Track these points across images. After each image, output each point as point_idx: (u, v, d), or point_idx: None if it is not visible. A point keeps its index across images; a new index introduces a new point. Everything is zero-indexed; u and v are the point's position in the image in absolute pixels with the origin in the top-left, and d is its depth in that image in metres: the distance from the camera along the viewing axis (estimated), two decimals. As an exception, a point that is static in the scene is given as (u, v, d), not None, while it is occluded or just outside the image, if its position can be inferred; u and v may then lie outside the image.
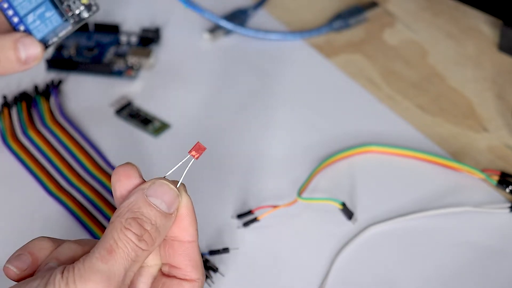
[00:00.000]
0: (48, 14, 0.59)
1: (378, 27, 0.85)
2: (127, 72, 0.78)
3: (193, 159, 0.50)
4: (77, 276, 0.46)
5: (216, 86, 0.78)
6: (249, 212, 0.65)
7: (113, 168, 0.69)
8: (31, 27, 0.60)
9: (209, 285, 0.61)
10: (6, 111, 0.72)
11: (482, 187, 0.68)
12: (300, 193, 0.65)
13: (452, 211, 0.65)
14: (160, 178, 0.50)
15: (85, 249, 0.49)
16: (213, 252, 0.62)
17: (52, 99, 0.75)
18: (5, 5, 0.59)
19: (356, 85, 0.78)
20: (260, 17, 0.87)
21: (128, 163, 0.50)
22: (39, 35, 0.60)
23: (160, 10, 0.87)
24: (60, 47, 0.81)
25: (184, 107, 0.76)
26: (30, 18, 0.59)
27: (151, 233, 0.48)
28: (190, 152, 0.50)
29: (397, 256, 0.63)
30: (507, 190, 0.67)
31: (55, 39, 0.60)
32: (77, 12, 0.60)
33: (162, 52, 0.82)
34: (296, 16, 0.87)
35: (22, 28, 0.60)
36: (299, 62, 0.81)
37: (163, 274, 0.51)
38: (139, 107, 0.75)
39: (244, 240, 0.64)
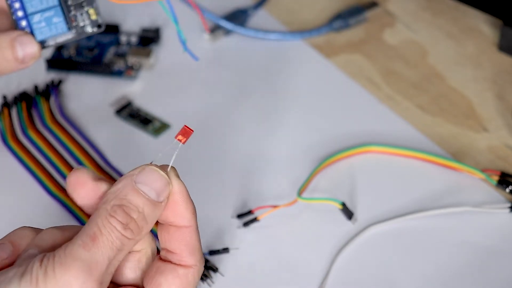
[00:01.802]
0: (55, 20, 0.59)
1: (378, 27, 0.85)
2: (127, 72, 0.78)
3: (180, 144, 0.48)
4: (57, 264, 0.44)
5: (216, 86, 0.78)
6: (249, 212, 0.65)
7: (113, 168, 0.69)
8: (34, 26, 0.59)
9: (209, 285, 0.61)
10: (6, 111, 0.72)
11: (482, 187, 0.68)
12: (300, 193, 0.65)
13: (452, 211, 0.65)
14: (150, 164, 0.48)
15: (68, 236, 0.47)
16: (213, 252, 0.62)
17: (52, 99, 0.75)
18: None
19: (356, 85, 0.78)
20: (260, 17, 0.87)
21: (77, 169, 0.48)
22: (40, 37, 0.59)
23: (160, 10, 0.87)
24: (60, 47, 0.81)
25: (184, 107, 0.76)
26: (36, 18, 0.59)
27: (138, 222, 0.46)
28: (176, 137, 0.49)
29: (397, 256, 0.63)
30: (507, 190, 0.67)
31: (52, 43, 0.59)
32: (81, 24, 0.59)
33: (162, 52, 0.82)
34: (296, 16, 0.87)
35: (24, 23, 0.59)
36: (299, 62, 0.81)
37: (160, 259, 0.49)
38: (139, 107, 0.75)
39: (244, 240, 0.64)
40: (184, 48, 0.57)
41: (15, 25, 0.59)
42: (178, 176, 0.48)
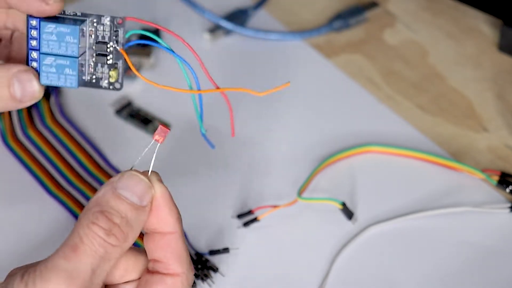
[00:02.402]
0: (67, 71, 0.51)
1: (378, 27, 0.85)
2: (127, 72, 0.78)
3: (158, 144, 0.48)
4: (37, 277, 0.43)
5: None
6: (249, 212, 0.65)
7: (113, 168, 0.69)
8: (43, 68, 0.51)
9: (209, 285, 0.61)
10: (6, 111, 0.72)
11: (482, 187, 0.68)
12: (300, 193, 0.65)
13: (452, 211, 0.65)
14: (129, 170, 0.47)
15: None
16: (213, 252, 0.62)
17: (52, 99, 0.75)
18: (34, 23, 0.50)
19: (356, 85, 0.78)
20: (260, 17, 0.87)
21: None
22: (44, 81, 0.51)
23: (160, 10, 0.87)
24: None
25: (184, 107, 0.76)
26: (48, 60, 0.51)
27: (122, 227, 0.45)
28: (154, 137, 0.49)
29: (397, 256, 0.63)
30: (507, 190, 0.67)
31: (54, 86, 0.53)
32: (98, 75, 0.53)
33: (162, 52, 0.82)
34: (296, 16, 0.87)
35: (35, 55, 0.51)
36: (299, 62, 0.82)
37: (148, 271, 0.48)
38: (139, 107, 0.75)
39: (244, 240, 0.64)
40: (204, 138, 0.54)
41: (26, 55, 0.52)
42: (160, 181, 0.48)
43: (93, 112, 0.75)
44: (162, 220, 0.47)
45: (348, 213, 0.65)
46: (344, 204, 0.64)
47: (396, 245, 0.64)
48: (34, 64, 0.51)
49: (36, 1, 0.49)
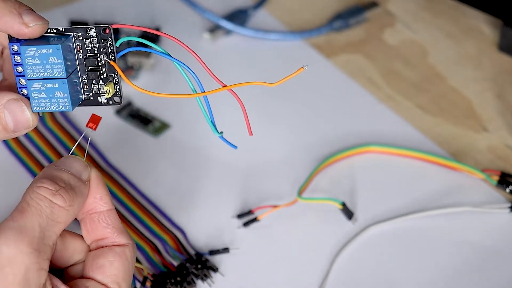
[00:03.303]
0: (58, 94, 0.47)
1: (378, 27, 0.85)
2: (127, 72, 0.78)
3: (92, 131, 0.50)
4: None
5: (216, 86, 0.78)
6: (249, 212, 0.65)
7: (113, 168, 0.69)
8: (32, 95, 0.47)
9: (209, 285, 0.61)
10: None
11: (482, 187, 0.68)
12: (300, 193, 0.65)
13: (452, 211, 0.65)
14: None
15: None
16: (213, 252, 0.62)
17: (52, 99, 0.75)
18: (15, 48, 0.47)
19: (356, 85, 0.78)
20: (260, 17, 0.87)
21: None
22: (36, 109, 0.48)
23: (160, 10, 0.87)
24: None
25: (184, 107, 0.76)
26: (35, 86, 0.47)
27: (67, 190, 0.46)
28: (87, 124, 0.49)
29: (397, 256, 0.63)
30: (507, 190, 0.67)
31: (49, 111, 0.50)
32: (95, 92, 0.50)
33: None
34: (296, 16, 0.87)
35: (23, 81, 0.48)
36: (299, 62, 0.81)
37: (91, 251, 0.49)
38: (139, 107, 0.75)
39: (244, 240, 0.64)
40: (223, 140, 0.52)
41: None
42: (92, 166, 0.49)
43: (93, 112, 0.75)
44: (99, 199, 0.49)
45: (348, 213, 0.65)
46: (344, 204, 0.64)
47: (396, 245, 0.64)
48: (25, 91, 0.48)
49: (16, 23, 0.47)
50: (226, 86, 0.50)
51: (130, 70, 0.78)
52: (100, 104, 0.50)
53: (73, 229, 0.49)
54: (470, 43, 0.83)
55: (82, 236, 0.49)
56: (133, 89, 0.47)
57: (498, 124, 0.74)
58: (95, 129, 0.49)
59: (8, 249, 0.44)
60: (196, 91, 0.50)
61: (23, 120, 0.48)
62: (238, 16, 0.85)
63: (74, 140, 0.71)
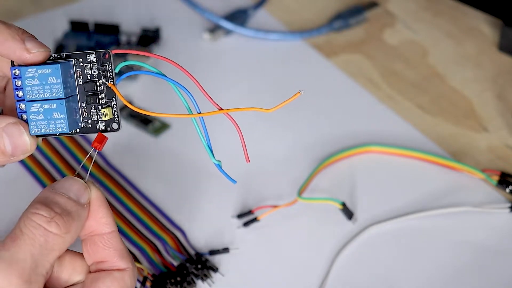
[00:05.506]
0: (56, 115, 0.48)
1: (378, 27, 0.85)
2: (129, 67, 0.78)
3: (97, 151, 0.49)
4: None
5: (216, 86, 0.78)
6: (249, 212, 0.65)
7: (113, 168, 0.69)
8: (31, 117, 0.48)
9: (209, 285, 0.61)
10: None
11: (482, 187, 0.68)
12: (300, 193, 0.65)
13: (452, 211, 0.65)
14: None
15: None
16: (213, 252, 0.62)
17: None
18: (17, 72, 0.47)
19: (356, 85, 0.78)
20: (260, 17, 0.87)
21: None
22: (34, 131, 0.48)
23: (160, 10, 0.87)
24: (60, 47, 0.80)
25: (184, 107, 0.76)
26: (34, 107, 0.47)
27: (63, 216, 0.45)
28: (93, 144, 0.49)
29: (397, 256, 0.63)
30: (507, 190, 0.67)
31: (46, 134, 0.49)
32: (93, 118, 0.49)
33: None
34: (296, 16, 0.87)
35: (23, 106, 0.48)
36: (299, 62, 0.82)
37: (90, 273, 0.48)
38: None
39: (244, 240, 0.64)
40: (221, 172, 0.51)
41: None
42: (95, 185, 0.48)
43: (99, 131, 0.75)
44: (101, 220, 0.47)
45: (348, 213, 0.65)
46: (344, 204, 0.64)
47: (396, 245, 0.64)
48: (24, 116, 0.48)
49: (18, 49, 0.47)
50: (222, 109, 0.50)
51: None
52: (98, 131, 0.49)
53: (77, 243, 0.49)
54: (470, 43, 0.83)
55: (82, 254, 0.48)
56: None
57: (498, 124, 0.74)
58: (100, 149, 0.49)
59: None
60: (191, 112, 0.49)
61: (21, 143, 0.48)
62: (238, 16, 0.85)
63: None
